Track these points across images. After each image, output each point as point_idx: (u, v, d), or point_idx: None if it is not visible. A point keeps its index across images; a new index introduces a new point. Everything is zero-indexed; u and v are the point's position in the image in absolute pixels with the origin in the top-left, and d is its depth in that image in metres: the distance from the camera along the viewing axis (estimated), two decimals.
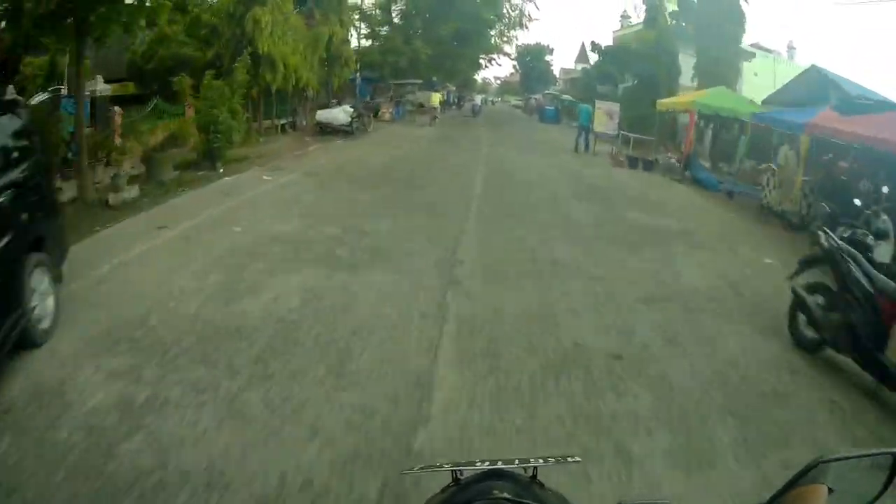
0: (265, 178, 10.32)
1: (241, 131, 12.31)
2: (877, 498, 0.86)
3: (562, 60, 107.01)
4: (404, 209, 8.17)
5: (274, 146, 14.74)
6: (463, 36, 29.74)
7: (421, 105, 30.41)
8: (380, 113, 24.59)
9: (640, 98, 20.25)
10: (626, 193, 11.05)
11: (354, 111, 18.61)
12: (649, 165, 15.01)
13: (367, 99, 27.12)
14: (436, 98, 26.52)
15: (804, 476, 0.83)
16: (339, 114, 18.20)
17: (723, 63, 17.42)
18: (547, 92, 41.24)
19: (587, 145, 18.18)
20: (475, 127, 25.69)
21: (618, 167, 14.99)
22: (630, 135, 17.65)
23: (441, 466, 1.10)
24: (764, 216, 10.17)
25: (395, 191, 9.48)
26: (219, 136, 10.99)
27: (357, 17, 27.09)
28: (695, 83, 18.06)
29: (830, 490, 0.84)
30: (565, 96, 36.13)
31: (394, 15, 30.91)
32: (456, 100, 43.46)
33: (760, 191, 10.66)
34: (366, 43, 29.99)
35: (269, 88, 15.03)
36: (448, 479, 1.06)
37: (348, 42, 21.46)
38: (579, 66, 75.78)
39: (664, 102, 16.21)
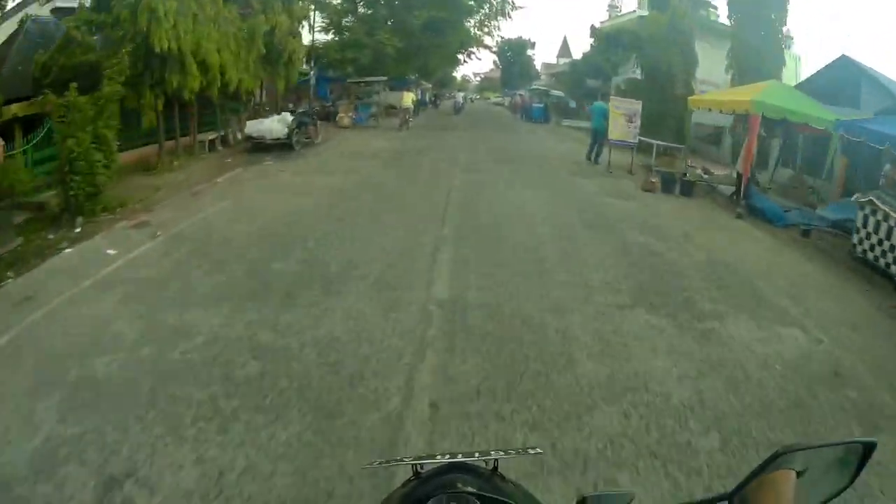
0: (109, 252, 6.16)
1: (110, 166, 8.11)
2: (845, 488, 0.85)
3: (543, 55, 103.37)
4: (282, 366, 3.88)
5: (181, 176, 10.65)
6: (437, 26, 25.53)
7: (392, 107, 26.35)
8: (337, 118, 20.39)
9: (648, 94, 16.25)
10: (692, 256, 6.83)
11: (295, 120, 14.38)
12: (688, 188, 11.05)
13: (328, 102, 22.94)
14: (408, 98, 22.39)
15: (768, 465, 0.81)
16: (275, 124, 13.99)
17: (765, 50, 13.53)
18: (533, 87, 37.05)
19: (598, 156, 14.21)
20: (453, 132, 21.55)
21: (649, 191, 10.98)
22: (655, 142, 13.73)
23: (401, 460, 1.20)
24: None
25: (281, 302, 4.72)
26: (76, 178, 7.34)
27: (311, 5, 22.79)
28: (729, 76, 14.14)
29: (800, 474, 0.81)
30: (555, 92, 32.11)
31: (358, 2, 26.57)
32: (432, 98, 39.30)
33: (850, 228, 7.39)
34: (325, 37, 25.72)
35: (202, 96, 11.74)
36: (409, 473, 1.05)
37: (297, 35, 17.23)
38: (562, 61, 72.86)
39: (700, 100, 12.23)
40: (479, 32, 32.10)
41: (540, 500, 1.07)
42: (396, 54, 23.77)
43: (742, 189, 9.89)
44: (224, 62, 12.01)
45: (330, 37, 25.61)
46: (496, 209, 8.48)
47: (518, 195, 9.67)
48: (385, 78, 23.14)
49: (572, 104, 31.69)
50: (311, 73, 20.99)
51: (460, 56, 36.95)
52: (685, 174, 13.51)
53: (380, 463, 1.43)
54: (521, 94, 36.96)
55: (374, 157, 13.45)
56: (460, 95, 44.83)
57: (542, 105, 29.20)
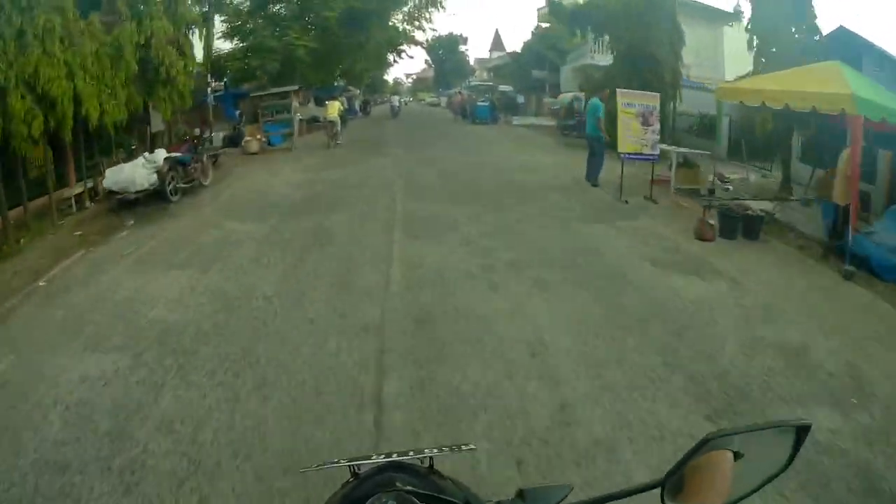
0: None
1: None
2: (783, 470, 0.85)
3: (474, 51, 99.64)
4: None
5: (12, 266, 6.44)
6: (358, 21, 21.36)
7: (315, 119, 22.04)
8: (244, 142, 16.00)
9: (628, 82, 12.82)
10: None
11: (167, 163, 10.05)
12: (752, 230, 7.56)
13: (238, 123, 18.46)
14: (334, 108, 18.26)
15: (698, 450, 0.79)
16: (138, 170, 9.64)
17: (783, 31, 10.37)
18: (472, 84, 33.16)
19: (594, 174, 10.70)
20: (390, 147, 17.41)
21: (706, 240, 7.34)
22: (676, 150, 10.35)
23: (337, 462, 1.09)
24: None
25: None
26: None
27: (206, 6, 18.20)
28: (756, 64, 10.77)
29: (738, 456, 0.80)
30: (503, 87, 28.55)
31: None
32: (362, 106, 35.02)
33: None
34: (229, 45, 21.12)
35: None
36: (347, 475, 1.05)
37: (183, 45, 12.81)
38: (496, 55, 70.08)
39: (739, 90, 8.74)
40: (408, 27, 28.23)
41: (477, 494, 1.05)
42: (312, 58, 19.56)
43: (847, 229, 6.50)
44: (80, 91, 8.65)
45: (234, 44, 21.08)
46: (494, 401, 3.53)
47: (529, 322, 4.72)
48: (296, 87, 18.81)
49: (520, 99, 28.32)
50: (210, 89, 16.48)
51: (391, 56, 33.08)
52: (712, 190, 10.22)
53: (317, 466, 1.25)
54: (459, 92, 33.10)
55: (271, 211, 9.21)
56: (396, 99, 42.62)
57: (487, 103, 25.49)
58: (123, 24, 10.38)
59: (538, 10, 46.09)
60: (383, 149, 16.93)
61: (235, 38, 20.69)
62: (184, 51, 12.63)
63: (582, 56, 25.94)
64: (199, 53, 14.36)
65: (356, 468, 1.05)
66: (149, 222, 8.85)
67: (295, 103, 22.58)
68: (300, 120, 21.57)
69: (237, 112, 19.40)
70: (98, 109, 9.16)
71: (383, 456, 1.06)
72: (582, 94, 20.79)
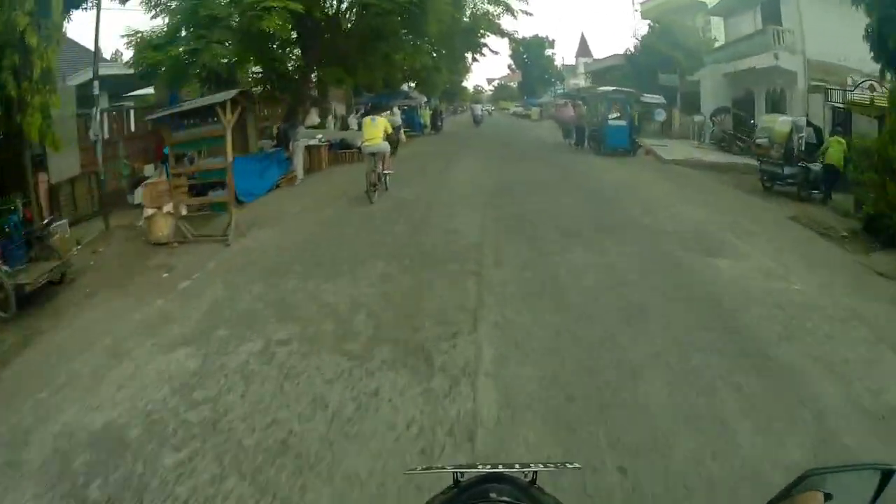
0: None
1: None
2: None
3: (558, 58, 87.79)
4: None
5: None
6: None
7: (347, 146, 14.08)
8: (144, 219, 7.65)
9: None
10: None
11: None
12: None
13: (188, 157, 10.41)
14: (377, 130, 9.89)
15: (796, 486, 0.88)
16: None
17: None
18: (597, 88, 20.66)
19: None
20: (458, 210, 8.71)
21: None
22: None
23: (443, 468, 1.12)
24: None
25: None
26: None
27: None
28: None
29: (828, 497, 0.85)
30: (650, 97, 18.59)
31: None
32: (431, 118, 26.43)
33: None
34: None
35: None
36: (450, 480, 1.05)
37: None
38: (582, 61, 59.66)
39: None
40: (491, 9, 19.53)
41: None
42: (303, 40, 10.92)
43: None
44: None
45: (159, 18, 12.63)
46: None
47: None
48: (234, 93, 9.84)
49: (660, 115, 18.65)
50: (96, 110, 8.50)
51: (468, 55, 24.64)
52: None
53: (422, 469, 1.40)
54: (572, 102, 20.94)
55: None
56: (478, 108, 38.61)
57: (625, 122, 15.53)
58: None
59: (641, 4, 35.89)
60: (455, 214, 8.37)
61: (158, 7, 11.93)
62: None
63: (742, 54, 16.19)
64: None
65: (459, 475, 1.05)
66: None
67: (310, 120, 14.58)
68: (316, 146, 13.52)
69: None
70: None
71: (489, 466, 1.07)
72: (803, 120, 11.32)
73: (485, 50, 23.12)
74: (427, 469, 1.44)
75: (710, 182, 11.82)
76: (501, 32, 20.83)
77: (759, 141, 11.38)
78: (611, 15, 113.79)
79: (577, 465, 1.35)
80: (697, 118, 18.24)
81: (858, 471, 0.90)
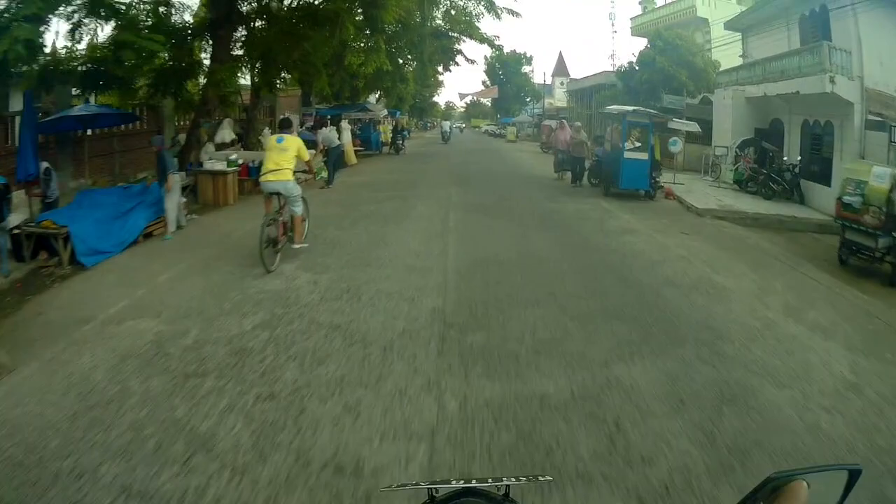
0: None
1: None
2: None
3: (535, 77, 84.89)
4: None
5: None
6: None
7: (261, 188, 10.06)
8: None
9: None
10: None
11: None
12: None
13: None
14: (286, 155, 6.21)
15: (761, 490, 0.84)
16: None
17: None
18: (608, 107, 15.65)
19: None
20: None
21: None
22: None
23: (417, 484, 1.10)
24: None
25: None
26: None
27: None
28: None
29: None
30: (682, 122, 14.93)
31: None
32: (392, 138, 22.49)
33: None
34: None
35: None
36: (424, 497, 1.04)
37: None
38: (559, 80, 57.08)
39: None
40: (472, 7, 16.00)
41: None
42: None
43: None
44: None
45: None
46: None
47: None
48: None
49: (676, 145, 15.12)
50: None
51: (440, 66, 20.98)
52: None
53: (397, 486, 1.31)
54: (570, 123, 15.75)
55: None
56: (447, 124, 37.74)
57: (646, 155, 11.65)
58: None
59: (631, 19, 33.54)
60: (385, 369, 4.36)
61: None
62: None
63: (774, 76, 12.98)
64: None
65: (434, 491, 1.05)
66: None
67: (220, 136, 10.57)
68: (221, 172, 9.56)
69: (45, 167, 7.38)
70: None
71: (462, 481, 1.08)
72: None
73: (459, 58, 19.56)
74: (402, 486, 1.20)
75: (775, 249, 8.32)
76: (480, 37, 17.23)
77: (846, 200, 7.96)
78: (589, 34, 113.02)
79: (549, 478, 1.36)
80: (719, 150, 14.92)
81: (825, 472, 0.87)
